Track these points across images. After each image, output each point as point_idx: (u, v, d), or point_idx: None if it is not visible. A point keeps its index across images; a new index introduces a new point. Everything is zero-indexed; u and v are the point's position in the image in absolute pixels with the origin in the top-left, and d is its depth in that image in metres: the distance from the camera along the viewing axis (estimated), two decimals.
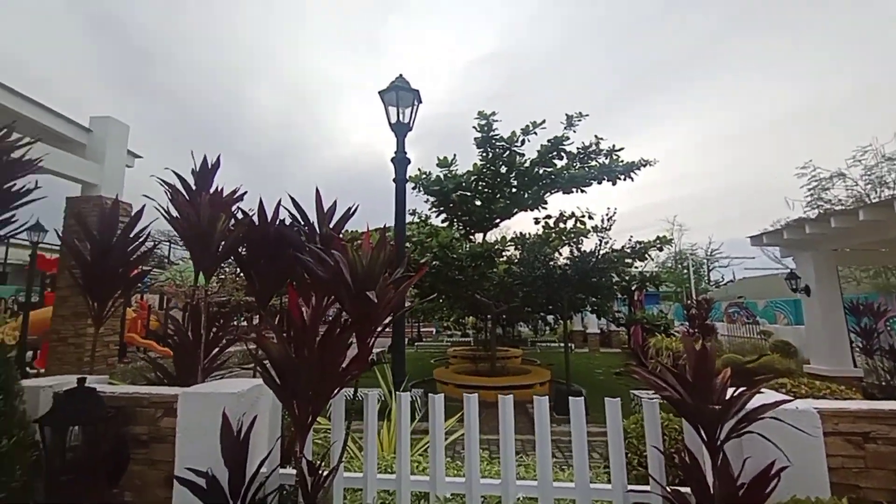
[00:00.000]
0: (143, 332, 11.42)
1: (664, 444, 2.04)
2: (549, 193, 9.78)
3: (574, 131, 8.96)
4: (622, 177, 9.36)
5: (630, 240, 9.36)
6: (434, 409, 2.12)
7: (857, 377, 6.57)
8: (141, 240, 2.95)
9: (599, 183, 9.44)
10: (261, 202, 2.89)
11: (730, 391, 1.62)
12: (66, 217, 6.23)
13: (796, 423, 1.66)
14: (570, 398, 2.00)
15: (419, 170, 9.65)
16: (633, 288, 10.76)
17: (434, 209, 10.16)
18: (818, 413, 1.75)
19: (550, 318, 16.02)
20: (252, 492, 1.85)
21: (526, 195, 9.56)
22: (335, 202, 2.96)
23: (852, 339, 7.15)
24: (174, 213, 2.80)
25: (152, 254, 3.20)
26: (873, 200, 12.07)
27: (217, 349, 3.04)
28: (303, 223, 2.99)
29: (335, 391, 1.93)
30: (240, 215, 3.15)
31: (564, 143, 8.95)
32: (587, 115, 8.86)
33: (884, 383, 6.71)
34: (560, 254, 9.48)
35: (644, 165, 9.33)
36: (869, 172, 13.68)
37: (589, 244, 9.19)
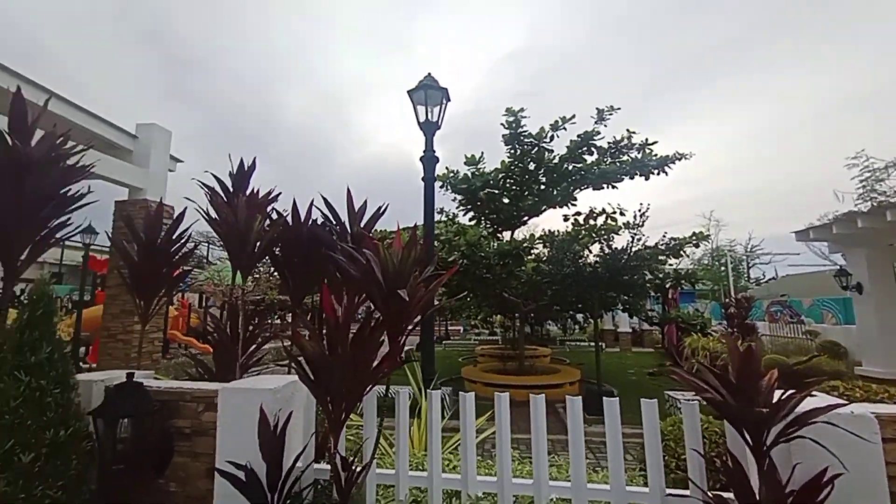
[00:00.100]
0: (184, 330, 11.97)
1: (704, 448, 1.97)
2: (578, 190, 9.60)
3: (605, 126, 8.76)
4: (656, 171, 9.08)
5: (664, 236, 9.06)
6: (465, 408, 2.12)
7: None
8: (183, 241, 3.09)
9: (631, 178, 9.19)
10: (294, 203, 2.97)
11: (777, 393, 1.54)
12: (115, 219, 6.61)
13: (852, 429, 1.56)
14: (605, 399, 1.95)
15: (447, 168, 9.68)
16: (667, 286, 10.40)
17: (461, 207, 10.16)
18: (876, 418, 1.64)
19: (580, 316, 15.71)
20: (288, 485, 1.90)
21: (555, 192, 9.41)
22: (365, 202, 3.00)
23: None
24: (213, 214, 2.91)
25: (193, 254, 3.34)
26: None
27: (254, 346, 3.14)
28: (334, 223, 3.05)
29: (368, 389, 1.96)
30: (274, 216, 3.24)
31: (595, 137, 8.76)
32: (619, 109, 8.64)
33: None
34: (590, 251, 9.27)
35: (679, 159, 9.00)
36: None
37: (620, 241, 8.95)
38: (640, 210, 8.67)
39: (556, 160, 9.02)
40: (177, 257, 3.11)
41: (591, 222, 10.04)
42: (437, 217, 9.98)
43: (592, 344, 16.66)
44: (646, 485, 1.99)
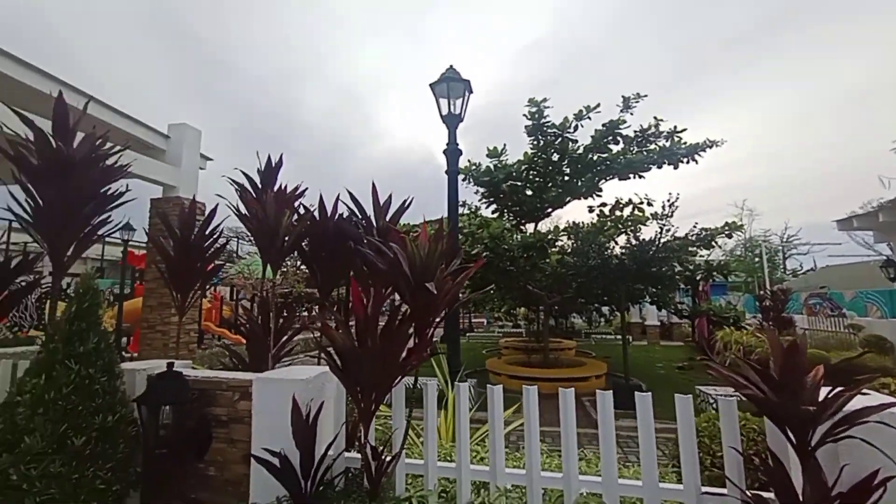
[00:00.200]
0: (217, 321, 12.41)
1: (741, 446, 1.90)
2: (603, 180, 9.38)
3: (631, 114, 8.51)
4: (685, 159, 8.77)
5: (695, 226, 8.76)
6: (493, 400, 2.11)
7: None
8: (215, 236, 3.19)
9: (659, 167, 8.91)
10: (321, 198, 3.01)
11: (824, 391, 1.47)
12: (151, 216, 6.88)
13: None
14: (637, 393, 1.91)
15: (469, 161, 9.61)
16: (697, 278, 10.05)
17: (484, 200, 10.10)
18: None
19: (606, 309, 15.42)
20: (321, 473, 1.96)
21: (579, 183, 9.23)
22: (390, 196, 3.02)
23: None
24: (243, 210, 2.99)
25: (224, 249, 3.44)
26: None
27: (285, 338, 3.23)
28: (360, 217, 3.08)
29: (396, 380, 1.98)
30: (301, 211, 3.30)
31: (620, 126, 8.53)
32: (645, 96, 8.37)
33: None
34: (616, 243, 9.06)
35: (710, 146, 8.67)
36: None
37: (648, 232, 8.70)
38: (668, 200, 8.40)
39: (580, 150, 8.83)
40: (210, 252, 3.21)
41: (618, 213, 9.81)
42: (459, 210, 9.97)
43: (618, 337, 16.39)
44: (679, 482, 1.94)
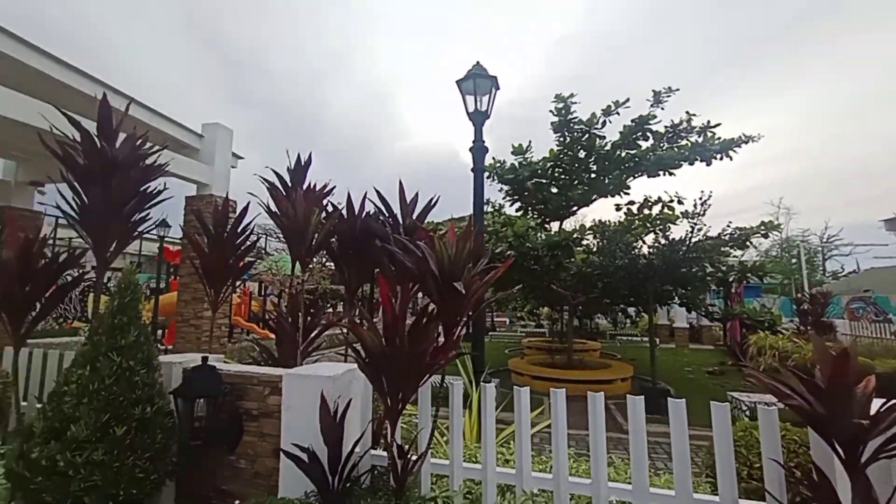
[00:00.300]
0: (246, 316, 12.78)
1: (782, 457, 1.82)
2: (632, 178, 9.14)
3: (662, 108, 8.24)
4: (718, 156, 8.44)
5: (728, 226, 8.41)
6: (520, 402, 2.09)
7: None
8: (247, 234, 3.27)
9: (691, 164, 8.60)
10: (349, 196, 3.05)
11: (876, 403, 1.38)
12: (186, 214, 7.13)
13: None
14: (670, 399, 1.85)
15: (493, 158, 9.55)
16: (730, 279, 9.67)
17: (508, 198, 10.01)
18: None
19: (631, 310, 15.04)
20: (348, 469, 1.98)
21: (606, 180, 9.03)
22: (417, 194, 3.03)
23: None
24: (273, 208, 3.05)
25: (255, 246, 3.53)
26: None
27: (313, 334, 3.29)
28: (387, 215, 3.10)
29: (424, 379, 1.98)
30: (329, 209, 3.34)
31: (650, 122, 8.28)
32: (677, 90, 8.08)
33: None
34: (644, 242, 8.81)
35: (746, 142, 8.32)
36: None
37: (678, 231, 8.42)
38: (700, 198, 8.09)
39: (608, 147, 8.62)
40: (242, 249, 3.30)
41: (646, 212, 9.54)
42: (484, 208, 9.91)
43: (644, 339, 15.96)
44: (714, 492, 1.87)
